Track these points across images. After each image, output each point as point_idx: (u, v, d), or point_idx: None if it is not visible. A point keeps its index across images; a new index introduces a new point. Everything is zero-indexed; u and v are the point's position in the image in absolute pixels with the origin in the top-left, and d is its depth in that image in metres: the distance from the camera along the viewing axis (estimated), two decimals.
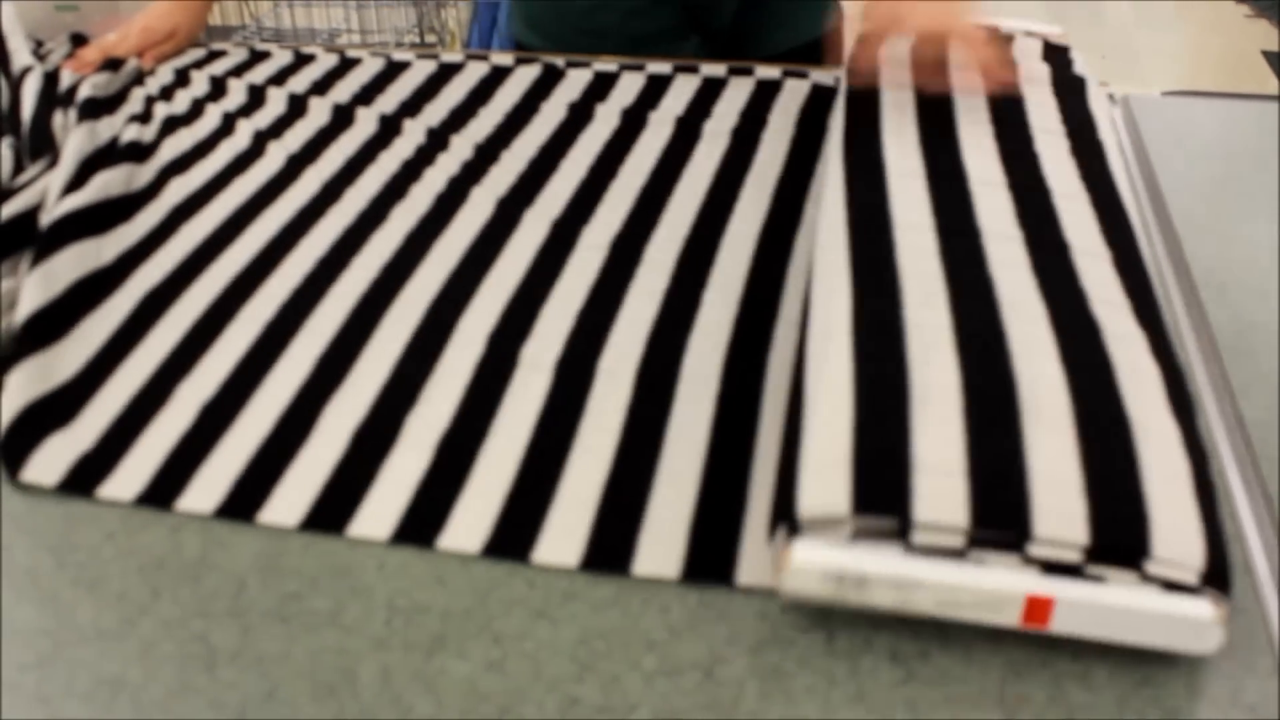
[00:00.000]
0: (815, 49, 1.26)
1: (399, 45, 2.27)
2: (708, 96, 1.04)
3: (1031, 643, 0.52)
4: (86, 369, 0.69)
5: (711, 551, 0.57)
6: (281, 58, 1.16)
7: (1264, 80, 3.46)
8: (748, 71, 1.09)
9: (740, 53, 1.19)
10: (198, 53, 1.16)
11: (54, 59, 1.10)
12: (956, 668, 0.51)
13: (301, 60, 1.15)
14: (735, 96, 1.04)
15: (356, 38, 2.33)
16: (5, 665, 0.52)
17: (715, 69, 1.09)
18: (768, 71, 1.09)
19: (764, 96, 1.04)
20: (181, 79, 1.10)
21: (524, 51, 1.20)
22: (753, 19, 1.21)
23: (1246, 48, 3.73)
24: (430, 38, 2.43)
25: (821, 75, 1.08)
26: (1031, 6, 4.19)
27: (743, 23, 1.22)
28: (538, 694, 0.50)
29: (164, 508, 0.60)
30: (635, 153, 0.95)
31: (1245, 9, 4.03)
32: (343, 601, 0.54)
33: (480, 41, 2.07)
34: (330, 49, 1.19)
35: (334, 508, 0.59)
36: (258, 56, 1.16)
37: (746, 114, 1.01)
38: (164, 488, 0.61)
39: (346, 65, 1.13)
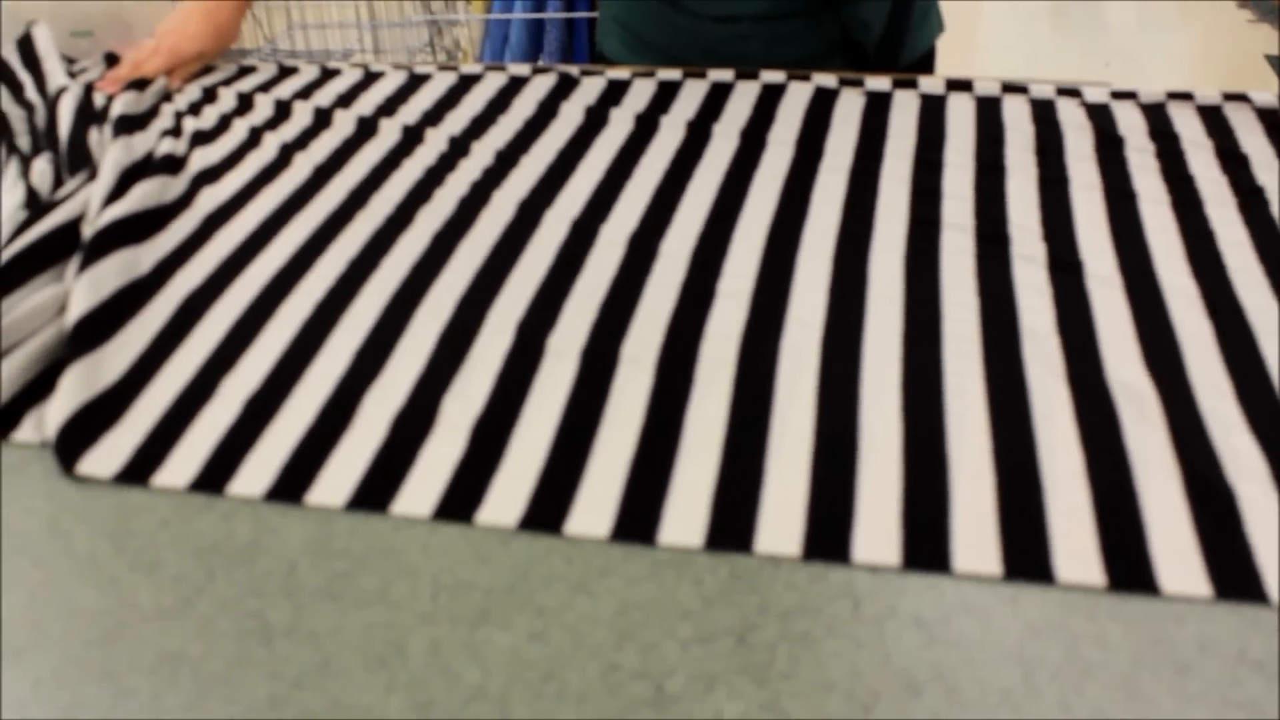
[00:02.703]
0: (929, 60, 1.28)
1: (410, 63, 2.29)
2: (717, 100, 1.07)
3: (1048, 606, 0.54)
4: (133, 369, 0.72)
5: (733, 521, 0.59)
6: (308, 73, 1.19)
7: (1267, 84, 3.49)
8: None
9: (878, 68, 1.19)
10: (227, 70, 1.20)
11: (87, 78, 1.13)
12: (976, 631, 0.53)
13: (327, 75, 1.18)
14: (742, 100, 1.08)
15: (370, 58, 2.36)
16: (72, 643, 0.54)
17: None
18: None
19: (770, 101, 1.07)
20: (209, 95, 1.13)
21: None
22: (894, 36, 1.21)
23: (1250, 51, 3.75)
24: (442, 57, 2.47)
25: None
26: (1035, 9, 4.23)
27: (886, 39, 1.21)
28: (580, 661, 0.52)
29: (215, 493, 0.63)
30: (649, 154, 0.98)
31: (1248, 13, 4.06)
32: (390, 580, 0.57)
33: (492, 57, 2.11)
34: (354, 65, 1.22)
35: (377, 489, 0.62)
36: (285, 72, 1.20)
37: (754, 117, 1.04)
38: (214, 475, 0.63)
39: (370, 79, 1.17)
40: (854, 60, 1.20)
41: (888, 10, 1.19)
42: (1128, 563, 0.56)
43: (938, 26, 1.28)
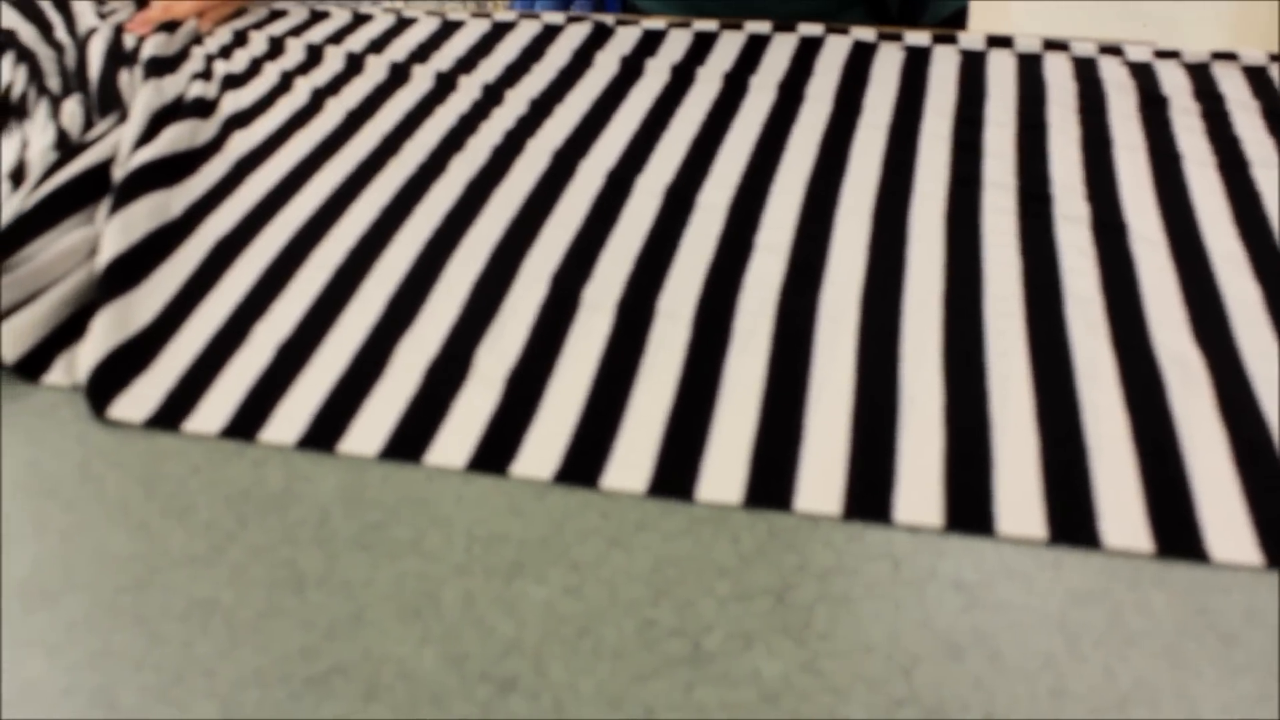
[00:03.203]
0: (960, 19, 1.26)
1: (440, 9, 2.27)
2: (753, 53, 1.06)
3: (1091, 573, 0.54)
4: (164, 314, 0.71)
5: (772, 479, 0.58)
6: (339, 18, 1.18)
7: None
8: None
9: (901, 22, 1.18)
10: (257, 13, 1.18)
11: (117, 19, 1.12)
12: (1019, 596, 0.53)
13: (359, 20, 1.17)
14: (779, 53, 1.06)
15: (400, 3, 2.34)
16: (104, 588, 0.54)
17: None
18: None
19: (808, 54, 1.06)
20: (240, 39, 1.12)
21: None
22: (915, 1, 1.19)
23: None
24: (472, 5, 2.44)
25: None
26: None
27: (905, 3, 1.20)
28: (615, 616, 0.52)
29: (247, 440, 0.62)
30: (685, 105, 0.96)
31: None
32: (423, 531, 0.56)
33: (524, 4, 2.08)
34: (388, 9, 1.21)
35: (411, 438, 0.61)
36: (316, 17, 1.18)
37: (791, 70, 1.03)
38: (247, 421, 0.63)
39: (402, 25, 1.15)
40: (876, 14, 1.18)
41: None
42: (1175, 528, 0.55)
43: None
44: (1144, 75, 1.01)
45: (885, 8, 1.18)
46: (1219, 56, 1.04)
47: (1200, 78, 1.01)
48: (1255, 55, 1.04)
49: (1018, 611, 0.52)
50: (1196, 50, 1.06)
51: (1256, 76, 1.01)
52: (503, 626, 0.51)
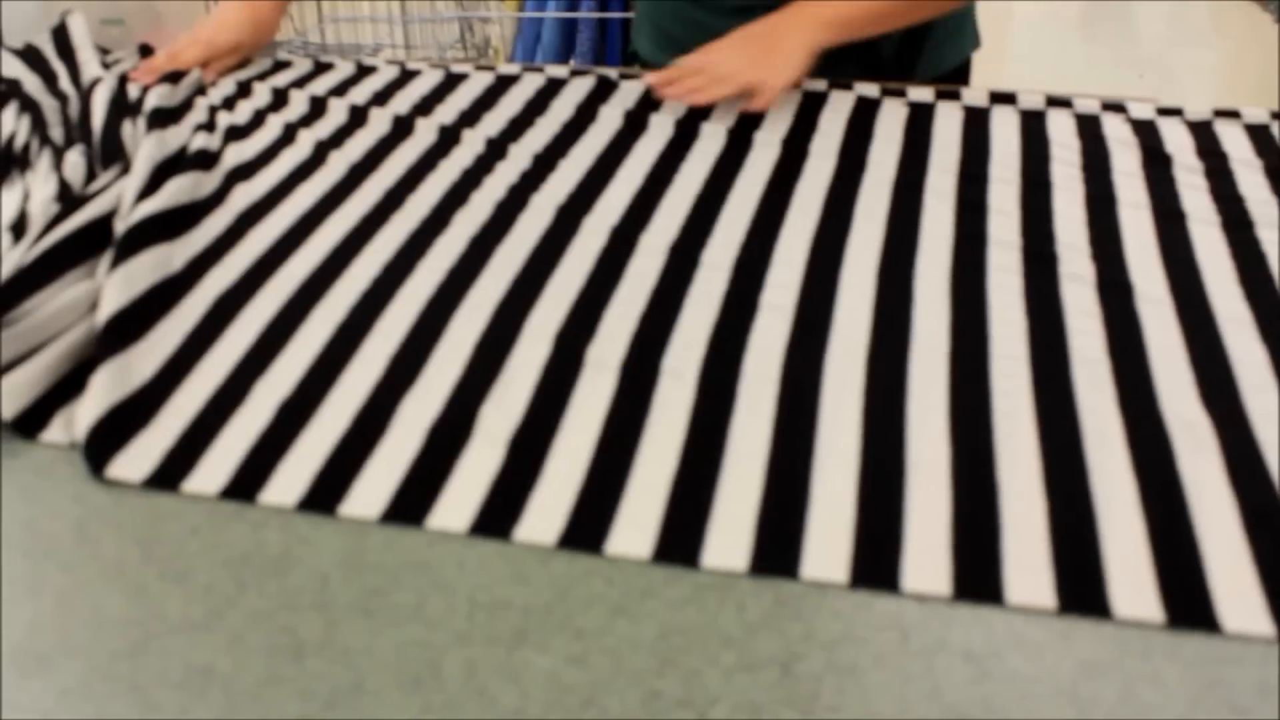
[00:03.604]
0: (963, 73, 1.26)
1: (442, 60, 2.29)
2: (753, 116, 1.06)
3: (1103, 643, 0.53)
4: (165, 370, 0.71)
5: (778, 545, 0.58)
6: (343, 69, 1.18)
7: None
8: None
9: (895, 76, 1.18)
10: (261, 64, 1.19)
11: (121, 70, 1.12)
12: (1029, 667, 0.52)
13: (362, 72, 1.17)
14: (784, 108, 1.06)
15: (401, 53, 2.35)
16: (100, 654, 0.53)
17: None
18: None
19: (812, 109, 1.06)
20: (244, 90, 1.12)
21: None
22: (909, 52, 1.19)
23: None
24: (473, 54, 2.46)
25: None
26: (1065, 21, 4.20)
27: (901, 55, 1.19)
28: (620, 687, 0.51)
29: (247, 501, 0.61)
30: (690, 160, 0.96)
31: None
32: (425, 596, 0.56)
33: (523, 57, 2.09)
34: (391, 61, 1.21)
35: (413, 501, 0.61)
36: (320, 68, 1.19)
37: (796, 126, 1.03)
38: (246, 482, 0.62)
39: (406, 77, 1.16)
40: (870, 66, 1.19)
41: None
42: (1186, 597, 0.55)
43: (972, 42, 1.26)
44: (1147, 132, 1.01)
45: (879, 59, 1.18)
46: (1221, 114, 1.05)
47: (1203, 135, 1.01)
48: (1257, 113, 1.04)
49: (1028, 683, 0.51)
50: (1199, 108, 1.06)
51: (1259, 134, 1.01)
52: (505, 697, 0.51)
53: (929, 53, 1.20)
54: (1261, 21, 4.09)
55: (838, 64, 1.13)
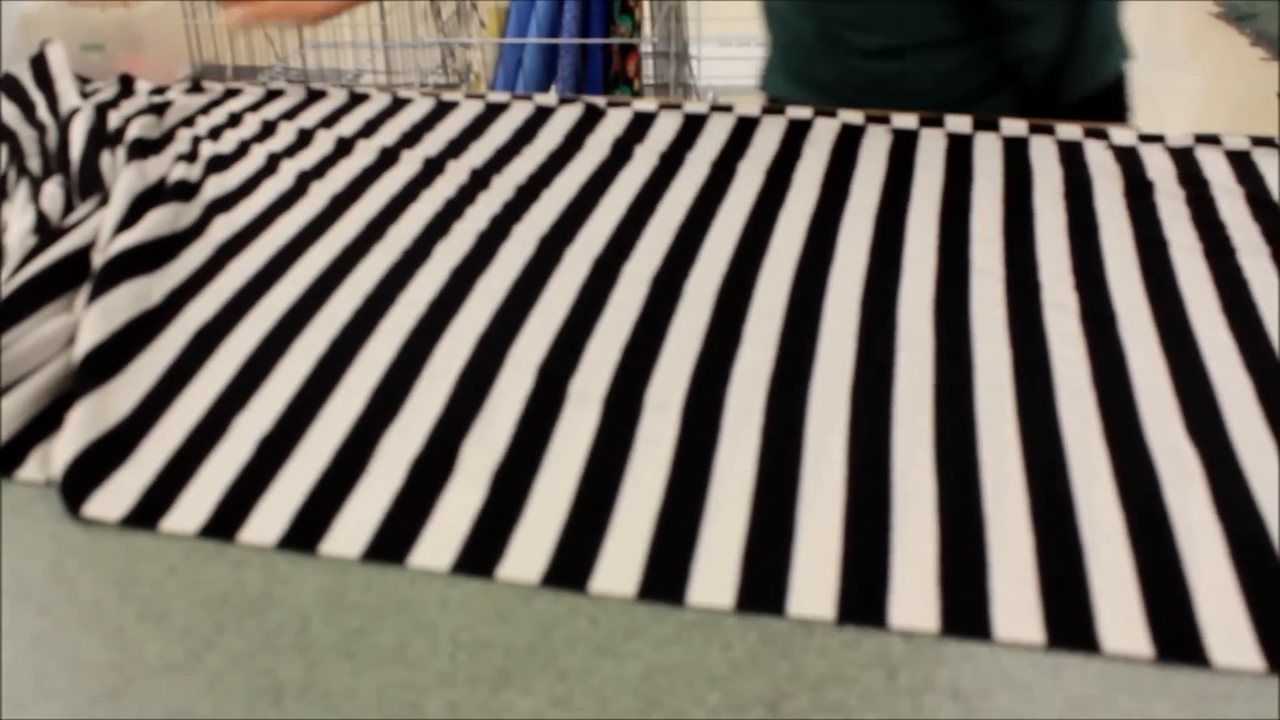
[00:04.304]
0: (1113, 93, 1.22)
1: (423, 86, 2.29)
2: (742, 136, 1.06)
3: (1091, 680, 0.52)
4: (143, 405, 0.70)
5: (764, 582, 0.57)
6: (335, 98, 1.18)
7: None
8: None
9: (1045, 102, 1.16)
10: (254, 93, 1.18)
11: (100, 99, 1.12)
12: (1018, 704, 0.51)
13: (355, 101, 1.17)
14: (768, 136, 1.06)
15: (382, 79, 2.35)
16: (76, 698, 0.52)
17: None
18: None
19: (796, 137, 1.06)
20: (234, 121, 1.12)
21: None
22: (1064, 70, 1.15)
23: (1264, 90, 3.74)
24: (454, 79, 2.46)
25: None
26: None
27: (1054, 72, 1.16)
28: None
29: (226, 539, 0.60)
30: (673, 190, 0.96)
31: (1260, 51, 4.05)
32: (407, 637, 0.55)
33: (505, 83, 2.09)
34: (382, 89, 1.21)
35: (394, 539, 0.60)
36: (313, 97, 1.18)
37: (779, 154, 1.03)
38: (226, 520, 0.61)
39: (398, 105, 1.15)
40: (1022, 94, 1.16)
41: (1057, 40, 1.12)
42: (1175, 632, 0.54)
43: (1121, 53, 1.21)
44: (1129, 159, 1.02)
45: (1029, 87, 1.16)
46: (1202, 140, 1.05)
47: (1184, 162, 1.01)
48: (1238, 140, 1.05)
49: None
50: (1180, 134, 1.06)
51: (1239, 161, 1.01)
52: None
53: (1076, 74, 1.16)
54: (1239, 44, 4.12)
55: (988, 96, 1.13)
